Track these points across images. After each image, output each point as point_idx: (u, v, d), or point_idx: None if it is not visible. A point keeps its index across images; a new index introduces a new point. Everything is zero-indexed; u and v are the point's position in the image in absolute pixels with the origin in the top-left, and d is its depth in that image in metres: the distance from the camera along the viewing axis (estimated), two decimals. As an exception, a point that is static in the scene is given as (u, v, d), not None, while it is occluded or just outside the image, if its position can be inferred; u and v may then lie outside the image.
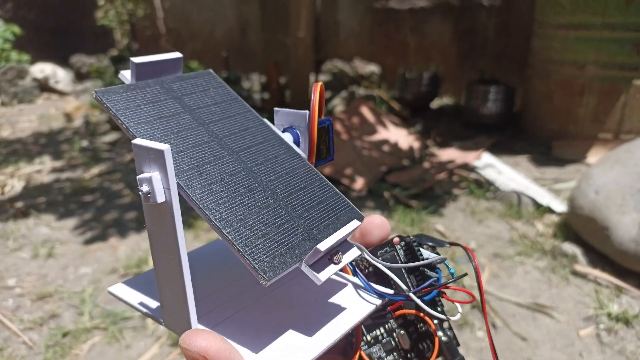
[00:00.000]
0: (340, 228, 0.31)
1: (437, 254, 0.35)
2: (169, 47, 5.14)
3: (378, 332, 0.35)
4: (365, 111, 3.05)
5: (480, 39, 3.77)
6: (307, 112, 0.37)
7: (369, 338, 0.35)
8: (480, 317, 1.53)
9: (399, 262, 0.35)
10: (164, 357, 1.41)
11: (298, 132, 0.37)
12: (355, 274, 0.34)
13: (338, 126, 2.89)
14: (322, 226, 0.31)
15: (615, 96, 2.70)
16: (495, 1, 3.60)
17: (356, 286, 0.33)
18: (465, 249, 0.33)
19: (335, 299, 0.32)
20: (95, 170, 2.73)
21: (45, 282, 1.75)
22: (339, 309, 0.31)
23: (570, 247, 1.79)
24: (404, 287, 0.33)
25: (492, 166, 2.59)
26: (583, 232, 1.81)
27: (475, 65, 3.74)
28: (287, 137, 0.37)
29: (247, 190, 0.30)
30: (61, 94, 4.49)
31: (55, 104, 4.24)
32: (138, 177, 0.26)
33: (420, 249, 0.35)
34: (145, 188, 0.26)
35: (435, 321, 0.35)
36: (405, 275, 0.35)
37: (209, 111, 0.34)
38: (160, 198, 0.26)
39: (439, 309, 0.35)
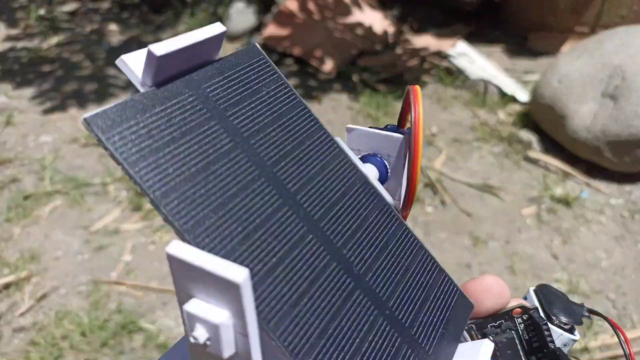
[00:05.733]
0: (456, 339, 0.23)
1: (572, 331, 0.25)
2: None
3: None
4: (342, -9, 2.89)
5: None
6: (401, 136, 0.26)
7: None
8: (430, 194, 1.60)
9: (518, 345, 0.26)
10: (125, 220, 1.46)
11: (387, 163, 0.27)
12: None
13: (311, 5, 2.76)
14: (436, 340, 0.22)
15: (597, -14, 2.61)
16: None
17: None
18: (611, 323, 0.26)
19: None
20: (54, 40, 2.59)
21: (4, 149, 1.73)
22: None
23: (526, 135, 1.85)
24: None
25: (465, 55, 2.56)
26: (542, 120, 1.86)
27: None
28: (370, 171, 0.26)
29: (350, 305, 0.20)
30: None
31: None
32: (185, 309, 0.16)
33: (550, 325, 0.26)
34: (201, 334, 0.15)
35: None
36: (522, 353, 0.26)
37: (268, 141, 0.22)
38: (228, 351, 0.16)
39: None
